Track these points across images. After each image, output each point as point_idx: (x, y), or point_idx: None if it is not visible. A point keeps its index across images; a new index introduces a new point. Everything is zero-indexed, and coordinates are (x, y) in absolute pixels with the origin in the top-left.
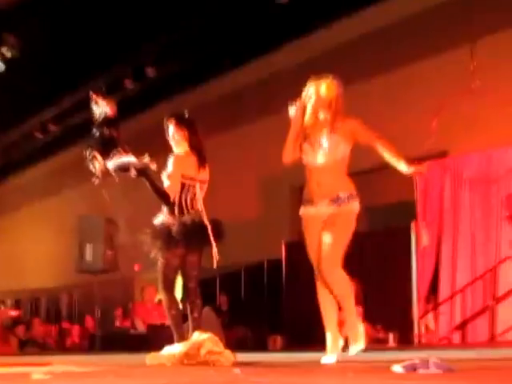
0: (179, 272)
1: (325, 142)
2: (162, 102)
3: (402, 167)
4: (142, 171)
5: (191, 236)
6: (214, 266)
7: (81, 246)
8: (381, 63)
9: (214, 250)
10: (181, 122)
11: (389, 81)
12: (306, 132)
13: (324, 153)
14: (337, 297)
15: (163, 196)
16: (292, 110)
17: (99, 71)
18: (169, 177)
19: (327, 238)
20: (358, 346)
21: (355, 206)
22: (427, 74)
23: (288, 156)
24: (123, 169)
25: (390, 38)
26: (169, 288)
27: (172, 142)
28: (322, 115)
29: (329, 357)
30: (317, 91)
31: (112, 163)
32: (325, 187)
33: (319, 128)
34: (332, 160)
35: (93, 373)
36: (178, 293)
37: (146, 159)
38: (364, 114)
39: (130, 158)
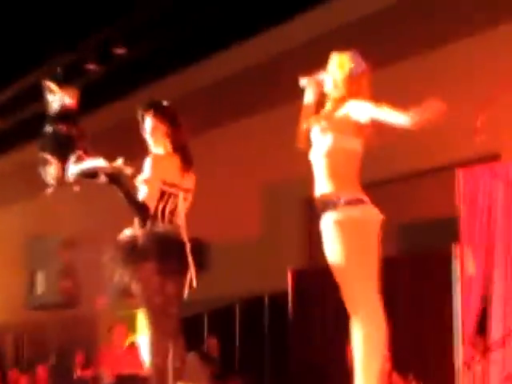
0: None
1: (317, 129)
2: (135, 90)
3: (402, 119)
4: (114, 177)
5: (166, 254)
6: (184, 295)
7: (31, 275)
8: (414, 39)
9: (192, 273)
10: (161, 114)
11: (419, 65)
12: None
13: (317, 147)
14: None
15: (140, 208)
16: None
17: (55, 51)
18: (146, 183)
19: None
20: None
21: (359, 211)
22: (470, 56)
23: (301, 140)
24: (90, 175)
25: (417, 12)
26: (154, 322)
27: (149, 140)
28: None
29: None
30: (329, 67)
31: (76, 168)
32: (319, 188)
33: (322, 114)
34: (327, 154)
35: None
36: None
37: (119, 163)
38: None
39: (98, 162)
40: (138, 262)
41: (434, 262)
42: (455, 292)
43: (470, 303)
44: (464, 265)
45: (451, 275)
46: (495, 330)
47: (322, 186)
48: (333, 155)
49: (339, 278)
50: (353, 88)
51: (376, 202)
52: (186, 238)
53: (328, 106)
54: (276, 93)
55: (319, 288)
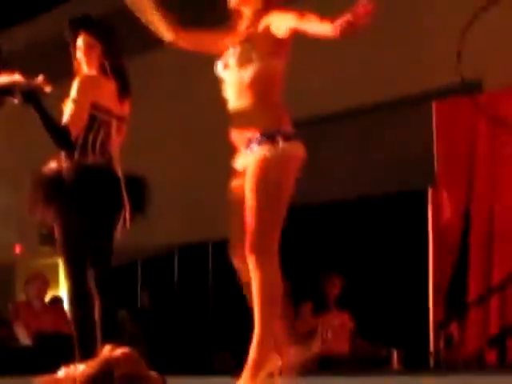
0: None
1: (234, 52)
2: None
3: (327, 28)
4: (31, 96)
5: (92, 188)
6: (118, 236)
7: None
8: None
9: (126, 213)
10: (96, 30)
11: None
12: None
13: (237, 72)
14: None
15: (60, 133)
16: None
17: None
18: (72, 104)
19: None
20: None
21: (273, 149)
22: None
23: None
24: (4, 92)
25: None
26: (75, 266)
27: (82, 60)
28: (246, 17)
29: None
30: None
31: None
32: (241, 124)
33: (238, 33)
34: (244, 81)
35: None
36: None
37: (39, 79)
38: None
39: (13, 77)
40: (63, 200)
41: (405, 205)
42: (429, 241)
43: (445, 254)
44: (440, 209)
45: (426, 221)
46: (474, 286)
47: (250, 117)
48: (261, 80)
49: (254, 216)
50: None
51: (337, 137)
52: (119, 173)
53: (243, 22)
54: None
55: None
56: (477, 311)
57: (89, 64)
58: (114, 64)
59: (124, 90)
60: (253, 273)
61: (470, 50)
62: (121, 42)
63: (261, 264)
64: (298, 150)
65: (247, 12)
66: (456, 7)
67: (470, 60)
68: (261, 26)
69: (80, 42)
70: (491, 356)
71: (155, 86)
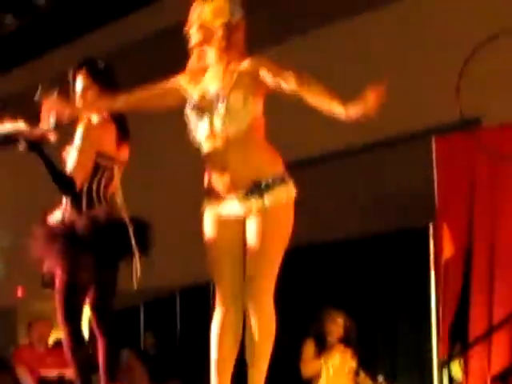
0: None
1: (222, 101)
2: (59, 46)
3: (340, 110)
4: (36, 145)
5: (104, 239)
6: (135, 286)
7: None
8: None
9: (136, 262)
10: (95, 73)
11: (392, 23)
12: (193, 92)
13: (225, 120)
14: (254, 342)
15: (66, 182)
16: None
17: None
18: (78, 153)
19: (253, 252)
20: None
21: (286, 191)
22: (449, 15)
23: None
24: (8, 140)
25: None
26: (73, 319)
27: (79, 103)
28: (210, 56)
29: None
30: (200, 14)
31: None
32: (235, 172)
33: (211, 78)
34: (241, 128)
35: None
36: (85, 330)
37: (46, 127)
38: (356, 75)
39: (18, 126)
40: (76, 252)
41: (408, 243)
42: (431, 278)
43: (448, 291)
44: (440, 246)
45: (427, 258)
46: (476, 323)
47: (245, 167)
48: (257, 126)
49: (251, 273)
50: (232, 37)
51: (339, 175)
52: (127, 220)
53: (212, 60)
54: None
55: None
56: (479, 350)
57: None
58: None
59: (124, 134)
60: (258, 314)
61: (469, 86)
62: (118, 83)
63: (268, 305)
64: (293, 191)
65: (211, 52)
66: (455, 44)
67: (470, 96)
68: (242, 72)
69: (78, 84)
70: None
71: (156, 125)
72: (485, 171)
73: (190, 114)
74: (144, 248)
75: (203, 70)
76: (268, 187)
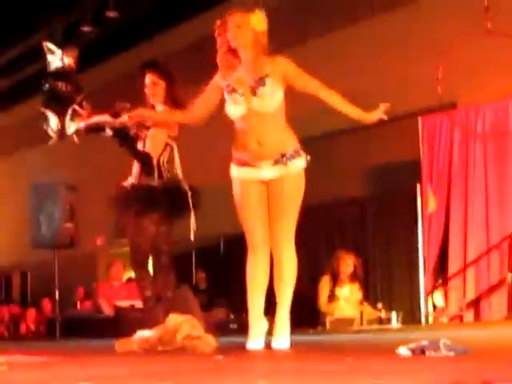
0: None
1: (260, 87)
2: (126, 50)
3: (361, 115)
4: (120, 133)
5: (171, 202)
6: (191, 237)
7: (36, 218)
8: (372, 2)
9: (192, 219)
10: (160, 71)
11: (384, 23)
12: (228, 80)
13: (261, 101)
14: (278, 279)
15: (145, 158)
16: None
17: (54, 15)
18: (154, 136)
19: (278, 208)
20: (283, 341)
21: (302, 163)
22: (431, 13)
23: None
24: (97, 129)
25: None
26: (142, 263)
27: (149, 94)
28: (245, 52)
29: (256, 342)
30: (241, 22)
31: (84, 123)
32: (267, 145)
33: (246, 71)
34: (272, 109)
35: (54, 362)
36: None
37: (125, 118)
38: (351, 66)
39: (104, 117)
40: (144, 208)
41: (400, 200)
42: (419, 227)
43: (431, 237)
44: (426, 202)
45: (415, 212)
46: (454, 261)
47: (275, 140)
48: (282, 109)
49: (277, 226)
50: (265, 42)
51: (346, 148)
52: (186, 187)
53: (246, 59)
54: None
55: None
56: (456, 282)
57: (154, 97)
58: (175, 98)
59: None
60: (285, 255)
61: (447, 76)
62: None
63: (291, 249)
64: (306, 161)
65: (244, 54)
66: (436, 42)
67: (448, 85)
68: (271, 68)
69: (148, 79)
70: (468, 315)
71: None
72: (460, 144)
73: (229, 98)
74: (197, 207)
75: (237, 65)
76: (291, 158)
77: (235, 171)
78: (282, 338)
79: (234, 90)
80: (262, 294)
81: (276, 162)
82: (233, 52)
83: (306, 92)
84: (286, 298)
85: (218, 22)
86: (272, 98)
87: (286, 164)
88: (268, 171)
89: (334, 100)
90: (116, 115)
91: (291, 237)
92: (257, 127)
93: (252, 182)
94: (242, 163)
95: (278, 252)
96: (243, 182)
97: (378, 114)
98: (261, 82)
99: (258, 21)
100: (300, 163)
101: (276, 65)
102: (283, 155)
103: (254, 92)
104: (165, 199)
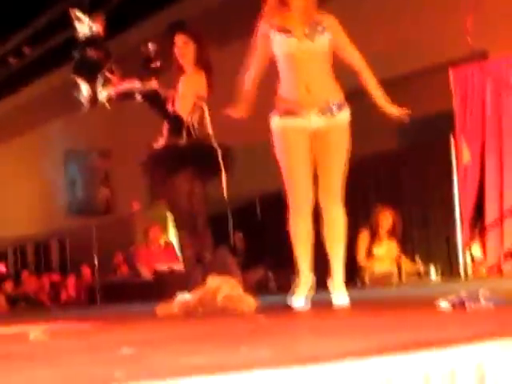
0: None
1: (316, 33)
2: (151, 14)
3: (385, 105)
4: (150, 97)
5: (201, 161)
6: (225, 195)
7: (72, 185)
8: None
9: (224, 178)
10: (188, 32)
11: None
12: (276, 21)
13: (315, 46)
14: (331, 238)
15: (174, 119)
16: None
17: None
18: (183, 98)
19: (326, 163)
20: (343, 297)
21: (347, 116)
22: None
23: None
24: (127, 96)
25: None
26: (183, 222)
27: (180, 55)
28: (295, 1)
29: (302, 298)
30: None
31: (113, 90)
32: (315, 91)
33: (299, 16)
34: (323, 56)
35: (96, 328)
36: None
37: (154, 84)
38: (380, 17)
39: (133, 83)
40: (176, 168)
41: (434, 152)
42: (454, 179)
43: (467, 189)
44: (460, 154)
45: (450, 163)
46: (491, 212)
47: (322, 88)
48: (330, 58)
49: (326, 182)
50: None
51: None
52: (216, 146)
53: (296, 7)
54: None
55: None
56: (493, 234)
57: (185, 59)
58: (204, 59)
59: (211, 80)
60: (337, 213)
61: (477, 25)
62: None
63: (341, 206)
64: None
65: (295, 3)
66: None
67: (478, 33)
68: (321, 20)
69: (178, 40)
70: (507, 266)
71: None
72: (492, 95)
73: (279, 37)
74: (229, 166)
75: (287, 11)
76: (337, 108)
77: (279, 121)
78: (342, 294)
79: (285, 30)
80: (309, 251)
81: (323, 111)
82: (282, 2)
83: (347, 61)
84: (340, 255)
85: None
86: (324, 45)
87: (333, 114)
88: (315, 120)
89: (368, 81)
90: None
91: (340, 194)
92: (306, 71)
93: (298, 133)
94: (287, 112)
95: (328, 211)
96: (288, 133)
97: (400, 111)
98: (318, 29)
99: None
100: (345, 115)
101: (326, 20)
102: (329, 104)
103: (308, 35)
104: (193, 158)
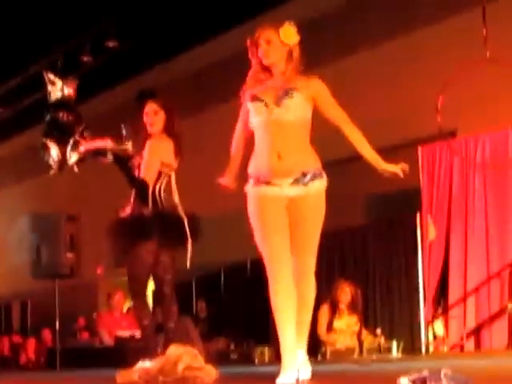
0: (151, 274)
1: (286, 98)
2: (126, 79)
3: (378, 162)
4: (120, 157)
5: (166, 230)
6: (188, 265)
7: (36, 249)
8: (373, 31)
9: (189, 247)
10: (159, 101)
11: (385, 52)
12: (253, 90)
13: (284, 111)
14: (303, 310)
15: (140, 185)
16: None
17: (54, 45)
18: (147, 163)
19: (299, 237)
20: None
21: (323, 184)
22: (431, 43)
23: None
24: (99, 153)
25: (386, 4)
26: (140, 292)
27: (147, 125)
28: (277, 68)
29: (287, 376)
30: (271, 37)
31: (84, 147)
32: (287, 159)
33: (275, 84)
34: (295, 121)
35: None
36: (149, 300)
37: (129, 145)
38: (353, 93)
39: (106, 142)
40: (140, 238)
41: (400, 229)
42: (418, 256)
43: (431, 266)
44: (426, 231)
45: (415, 241)
46: (454, 290)
47: (296, 157)
48: (308, 126)
49: (299, 250)
50: (297, 57)
51: (346, 177)
52: (183, 215)
53: (278, 73)
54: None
55: None
56: (456, 312)
57: (153, 126)
58: (173, 128)
59: (179, 148)
60: (309, 288)
61: (446, 105)
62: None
63: (313, 281)
64: (326, 183)
65: (277, 69)
66: (436, 73)
67: (447, 114)
68: (302, 85)
69: (147, 108)
70: (469, 345)
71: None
72: (459, 174)
73: (252, 107)
74: (195, 235)
75: (265, 80)
76: (312, 178)
77: (252, 190)
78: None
79: (257, 99)
80: (293, 325)
81: (296, 182)
82: (265, 70)
83: (331, 122)
84: (307, 329)
85: (249, 41)
86: (296, 111)
87: (306, 185)
88: (287, 190)
89: (356, 139)
90: (118, 140)
91: (313, 268)
92: (277, 139)
93: (272, 201)
94: (259, 181)
95: (301, 284)
96: (262, 201)
97: (396, 168)
98: (288, 93)
99: (289, 33)
100: (321, 185)
101: (310, 83)
102: (304, 174)
103: (278, 102)
104: (158, 228)
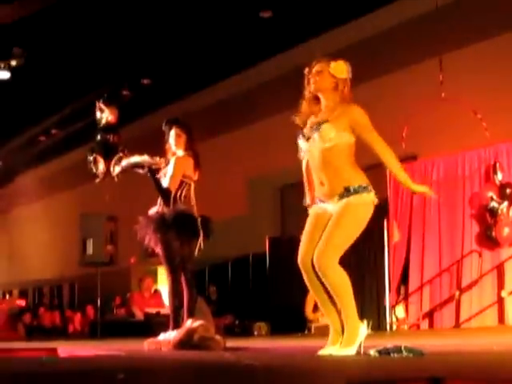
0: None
1: (315, 132)
2: (157, 109)
3: (407, 181)
4: (152, 170)
5: (184, 224)
6: (195, 254)
7: (83, 242)
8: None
9: (200, 239)
10: (183, 126)
11: (362, 91)
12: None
13: (314, 144)
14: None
15: (165, 192)
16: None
17: (104, 82)
18: (173, 175)
19: (326, 229)
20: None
21: (367, 197)
22: (398, 85)
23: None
24: (137, 166)
25: (362, 53)
26: (175, 272)
27: (173, 144)
28: (323, 98)
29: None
30: (322, 68)
31: (126, 161)
32: (329, 184)
33: (317, 117)
34: (327, 151)
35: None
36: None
37: (162, 161)
38: None
39: (143, 157)
40: (164, 231)
41: (371, 233)
42: (385, 254)
43: (395, 262)
44: (391, 234)
45: (383, 242)
46: (413, 282)
47: (337, 180)
48: (340, 150)
49: (320, 245)
50: (343, 91)
51: None
52: (197, 215)
53: (324, 106)
54: (252, 115)
55: (288, 251)
56: (415, 298)
57: (177, 147)
58: (193, 147)
59: (197, 164)
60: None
61: (410, 134)
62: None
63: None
64: (374, 199)
65: (323, 100)
66: (400, 107)
67: (410, 141)
68: (340, 113)
69: (173, 132)
70: (424, 324)
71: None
72: None
73: (300, 142)
74: (208, 234)
75: (315, 111)
76: (356, 191)
77: (312, 210)
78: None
79: (302, 133)
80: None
81: (341, 197)
82: (316, 99)
83: (368, 146)
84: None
85: (306, 70)
86: (324, 141)
87: (349, 196)
88: (334, 206)
89: (389, 161)
90: (153, 156)
91: (335, 255)
92: (317, 169)
93: (321, 214)
94: (315, 202)
95: (320, 269)
96: (313, 216)
97: (425, 189)
98: (317, 127)
99: (339, 67)
100: (365, 197)
101: (346, 112)
102: (347, 189)
103: (310, 137)
104: (176, 223)
